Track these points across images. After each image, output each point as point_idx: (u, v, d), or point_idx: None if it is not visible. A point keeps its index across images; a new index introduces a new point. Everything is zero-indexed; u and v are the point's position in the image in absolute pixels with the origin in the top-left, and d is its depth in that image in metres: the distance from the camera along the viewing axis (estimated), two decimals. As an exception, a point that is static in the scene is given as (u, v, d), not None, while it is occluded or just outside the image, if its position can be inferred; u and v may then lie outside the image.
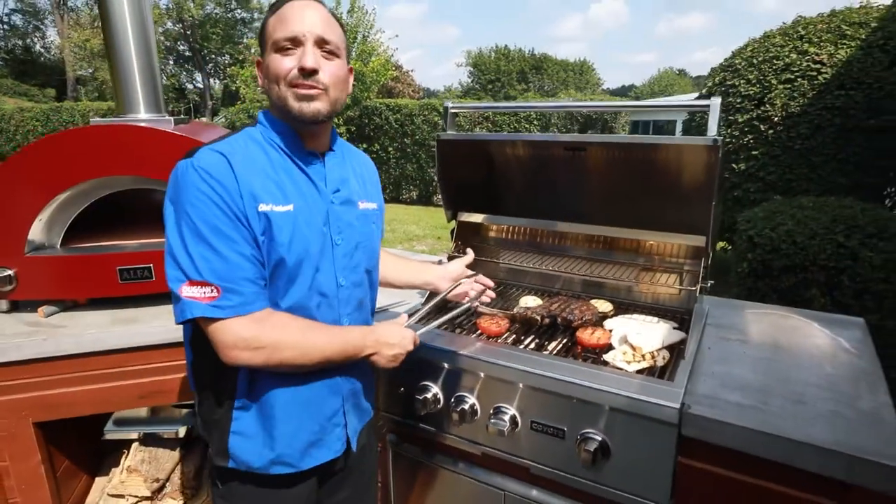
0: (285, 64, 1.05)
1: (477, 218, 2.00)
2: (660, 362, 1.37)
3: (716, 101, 1.32)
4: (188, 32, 29.75)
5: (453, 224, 1.97)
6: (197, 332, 1.09)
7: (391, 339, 1.20)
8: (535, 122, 11.40)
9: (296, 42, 1.06)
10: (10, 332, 1.60)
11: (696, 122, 5.96)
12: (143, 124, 1.79)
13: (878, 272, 2.41)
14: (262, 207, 1.04)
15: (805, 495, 1.07)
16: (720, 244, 6.02)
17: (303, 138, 1.15)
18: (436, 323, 1.39)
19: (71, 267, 1.73)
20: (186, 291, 1.00)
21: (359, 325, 1.25)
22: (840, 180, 4.81)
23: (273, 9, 1.11)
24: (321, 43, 1.07)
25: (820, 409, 1.16)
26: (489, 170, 1.87)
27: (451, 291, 1.56)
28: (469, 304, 1.58)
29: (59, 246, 1.80)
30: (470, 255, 1.72)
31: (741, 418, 1.12)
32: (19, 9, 30.41)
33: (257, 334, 1.03)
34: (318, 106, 1.08)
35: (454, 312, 1.48)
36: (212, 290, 1.00)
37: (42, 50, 30.88)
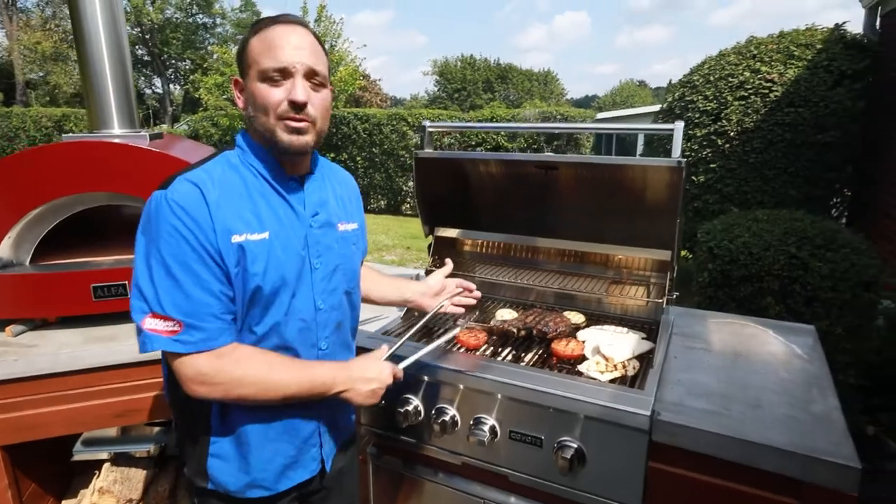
0: (275, 96, 1.04)
1: (453, 233, 2.06)
2: (630, 372, 1.45)
3: (679, 125, 1.42)
4: (147, 37, 28.99)
5: (430, 239, 2.02)
6: None
7: (367, 374, 1.16)
8: (502, 133, 11.57)
9: (285, 73, 1.04)
10: (-21, 352, 1.57)
11: (656, 136, 6.19)
12: (117, 140, 1.79)
13: (826, 281, 2.57)
14: (236, 238, 1.04)
15: (765, 493, 1.15)
16: (682, 253, 6.25)
17: (283, 164, 1.14)
18: (419, 354, 1.33)
19: (41, 285, 1.70)
20: (149, 324, 1.00)
21: (337, 346, 1.24)
22: (791, 192, 5.08)
23: (256, 29, 1.08)
24: (311, 75, 1.07)
25: (776, 413, 1.25)
26: (465, 186, 1.93)
27: (438, 309, 1.52)
28: (460, 327, 1.58)
29: (28, 263, 1.77)
30: (448, 266, 1.64)
31: (706, 423, 1.20)
32: (-36, 9, 29.08)
33: (217, 370, 1.02)
34: (308, 139, 1.09)
35: (440, 342, 1.41)
36: (174, 325, 1.00)
37: (-12, 52, 29.58)
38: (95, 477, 1.85)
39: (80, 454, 1.87)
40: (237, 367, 1.04)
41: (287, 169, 1.15)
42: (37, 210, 1.67)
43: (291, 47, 1.04)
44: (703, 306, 2.98)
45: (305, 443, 1.20)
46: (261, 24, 1.09)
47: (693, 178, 5.61)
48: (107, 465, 1.87)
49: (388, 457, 1.64)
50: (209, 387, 1.03)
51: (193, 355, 1.01)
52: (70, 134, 1.77)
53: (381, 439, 1.63)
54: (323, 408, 1.22)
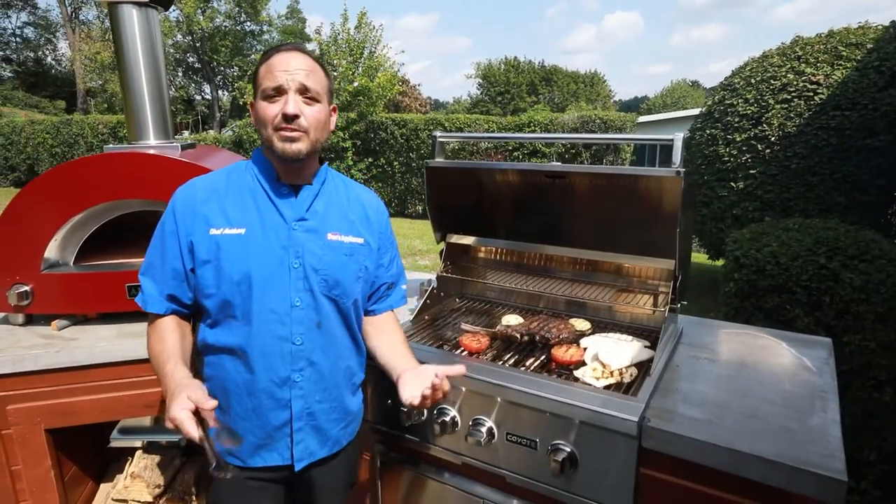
0: (271, 111, 1.21)
1: (466, 240, 2.11)
2: (627, 379, 1.46)
3: (679, 136, 1.43)
4: (197, 45, 30.16)
5: (441, 245, 2.08)
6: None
7: (169, 400, 1.09)
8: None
9: (280, 91, 1.20)
10: (27, 343, 1.73)
11: (694, 140, 6.05)
12: (152, 151, 1.93)
13: (859, 293, 2.47)
14: (214, 231, 1.23)
15: (752, 503, 1.15)
16: (719, 261, 6.07)
17: (278, 172, 1.29)
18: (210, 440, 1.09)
19: (83, 283, 1.86)
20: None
21: (317, 345, 1.26)
22: (838, 199, 4.87)
23: (264, 57, 1.26)
24: (303, 90, 1.22)
25: (770, 423, 1.24)
26: (477, 195, 1.98)
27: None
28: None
29: (72, 263, 1.93)
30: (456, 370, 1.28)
31: (695, 431, 1.20)
32: (31, 22, 31.21)
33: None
34: (300, 146, 1.23)
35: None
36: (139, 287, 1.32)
37: (53, 62, 31.57)
38: (128, 463, 1.99)
39: (116, 441, 2.01)
40: (150, 327, 1.31)
41: (281, 176, 1.30)
42: (80, 215, 1.83)
43: (286, 69, 1.21)
44: (729, 317, 2.91)
45: (278, 430, 1.27)
46: (267, 53, 1.26)
47: (732, 184, 5.46)
48: (139, 451, 2.01)
49: (395, 454, 1.71)
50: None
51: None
52: (111, 145, 1.93)
53: (387, 437, 1.69)
54: (299, 404, 1.26)
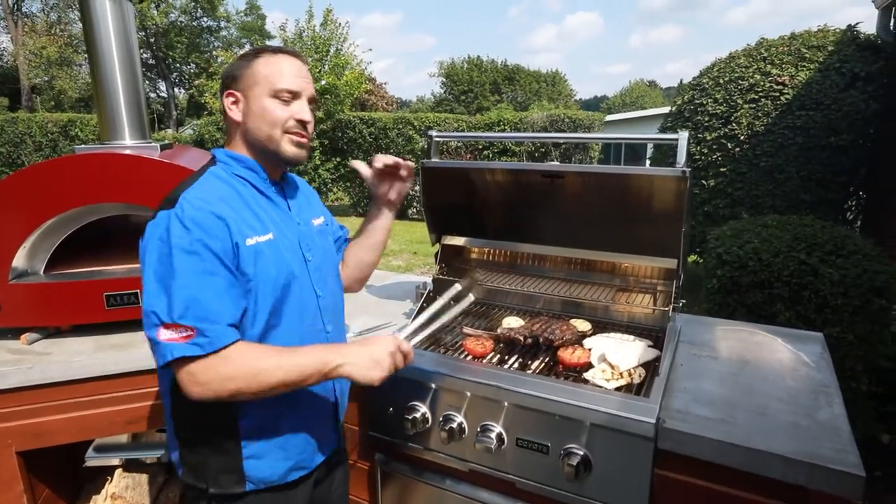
0: (283, 112, 1.18)
1: (460, 241, 2.07)
2: (636, 379, 1.45)
3: (683, 135, 1.42)
4: (152, 40, 28.90)
5: (437, 247, 2.03)
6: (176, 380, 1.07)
7: (366, 345, 1.15)
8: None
9: (295, 95, 1.20)
10: (-6, 360, 1.60)
11: (666, 145, 6.16)
12: (128, 151, 1.82)
13: (837, 287, 2.54)
14: (249, 241, 1.13)
15: (772, 501, 1.15)
16: (692, 257, 6.21)
17: (266, 172, 1.25)
18: (424, 334, 1.37)
19: (55, 294, 1.74)
20: (163, 335, 1.02)
21: (338, 329, 1.36)
22: (804, 196, 5.03)
23: (260, 53, 1.20)
24: (312, 100, 1.24)
25: (781, 420, 1.25)
26: (471, 195, 1.94)
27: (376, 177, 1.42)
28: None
29: (42, 272, 1.80)
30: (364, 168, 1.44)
31: (710, 431, 1.20)
32: (-31, 14, 29.30)
33: (206, 368, 1.03)
34: (306, 153, 1.24)
35: (438, 324, 1.40)
36: (187, 331, 1.02)
37: (-7, 57, 29.65)
38: (108, 482, 1.87)
39: (93, 460, 1.89)
40: (225, 364, 1.04)
41: (269, 175, 1.27)
42: (51, 221, 1.70)
43: (300, 75, 1.21)
44: (712, 313, 2.96)
45: (329, 418, 1.32)
46: (265, 50, 1.22)
47: (703, 182, 5.58)
48: (119, 471, 1.89)
49: (396, 463, 1.66)
50: (201, 386, 1.03)
51: (197, 359, 1.02)
52: (83, 146, 1.80)
53: (388, 446, 1.64)
54: (337, 385, 1.32)
